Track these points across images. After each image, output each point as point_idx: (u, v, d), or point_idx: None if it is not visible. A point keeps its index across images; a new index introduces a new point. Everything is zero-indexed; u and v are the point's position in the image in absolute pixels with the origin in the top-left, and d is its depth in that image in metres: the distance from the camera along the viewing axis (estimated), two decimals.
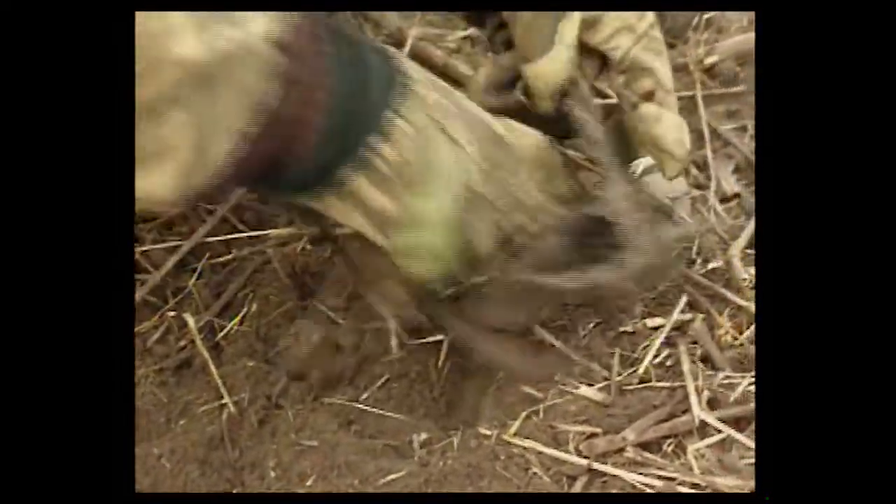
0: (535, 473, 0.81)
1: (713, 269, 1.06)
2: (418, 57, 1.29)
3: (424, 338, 0.95)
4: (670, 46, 1.42)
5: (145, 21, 0.60)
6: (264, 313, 0.99)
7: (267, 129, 0.68)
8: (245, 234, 1.08)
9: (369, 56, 0.77)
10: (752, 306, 0.97)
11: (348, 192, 0.78)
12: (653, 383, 0.90)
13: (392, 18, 1.30)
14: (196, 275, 1.06)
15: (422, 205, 0.79)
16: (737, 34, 1.43)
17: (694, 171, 1.24)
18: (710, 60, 1.38)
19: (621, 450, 0.83)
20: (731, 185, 1.23)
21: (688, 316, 0.97)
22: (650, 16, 0.93)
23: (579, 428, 0.85)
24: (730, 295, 0.99)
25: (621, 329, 0.94)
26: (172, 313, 0.99)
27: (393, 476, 0.82)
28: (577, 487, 0.81)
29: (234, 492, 0.86)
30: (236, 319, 0.99)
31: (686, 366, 0.91)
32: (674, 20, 1.45)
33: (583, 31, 0.90)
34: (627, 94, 0.93)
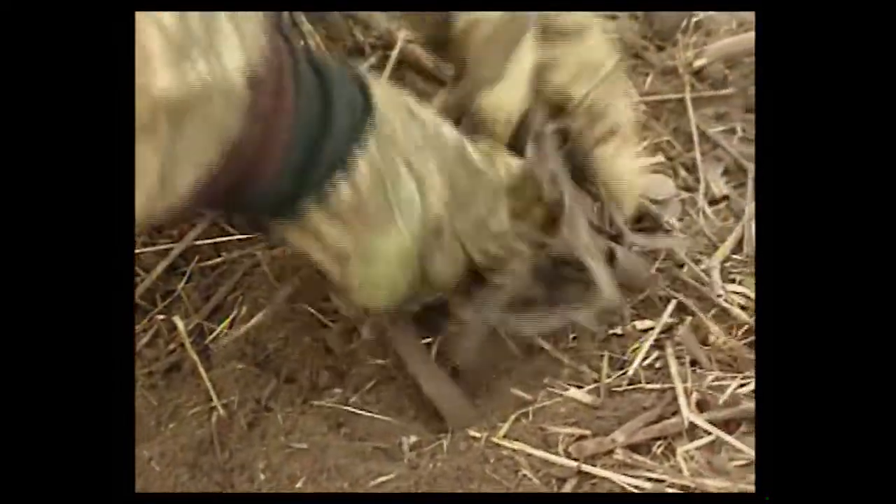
0: (524, 475, 0.81)
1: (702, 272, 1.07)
2: (407, 59, 1.29)
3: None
4: (659, 49, 1.43)
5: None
6: (254, 316, 0.99)
7: (230, 160, 0.68)
8: (235, 238, 1.08)
9: (338, 87, 0.76)
10: (736, 310, 0.98)
11: (306, 224, 0.78)
12: (642, 385, 0.91)
13: (380, 20, 1.30)
14: (185, 278, 1.06)
15: (379, 241, 0.79)
16: (725, 36, 1.43)
17: (683, 173, 1.24)
18: (698, 63, 1.38)
19: (611, 452, 0.83)
20: (720, 187, 1.23)
21: (677, 318, 0.98)
22: (612, 57, 0.94)
23: (569, 430, 0.85)
24: (717, 300, 0.99)
25: (610, 332, 0.95)
26: (162, 317, 0.99)
27: (382, 478, 0.82)
28: (567, 489, 0.81)
29: (229, 492, 0.86)
30: (226, 322, 0.99)
31: (674, 368, 0.91)
32: (662, 23, 1.45)
33: (542, 69, 0.90)
34: (587, 135, 0.93)
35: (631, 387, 0.91)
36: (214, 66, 0.64)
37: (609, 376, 0.91)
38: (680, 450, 0.84)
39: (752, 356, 0.93)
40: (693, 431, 0.86)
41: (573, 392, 0.89)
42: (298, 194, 0.76)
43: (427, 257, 0.82)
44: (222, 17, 0.65)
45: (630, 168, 0.94)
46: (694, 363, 0.93)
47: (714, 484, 0.80)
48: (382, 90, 0.79)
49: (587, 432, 0.85)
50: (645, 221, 1.11)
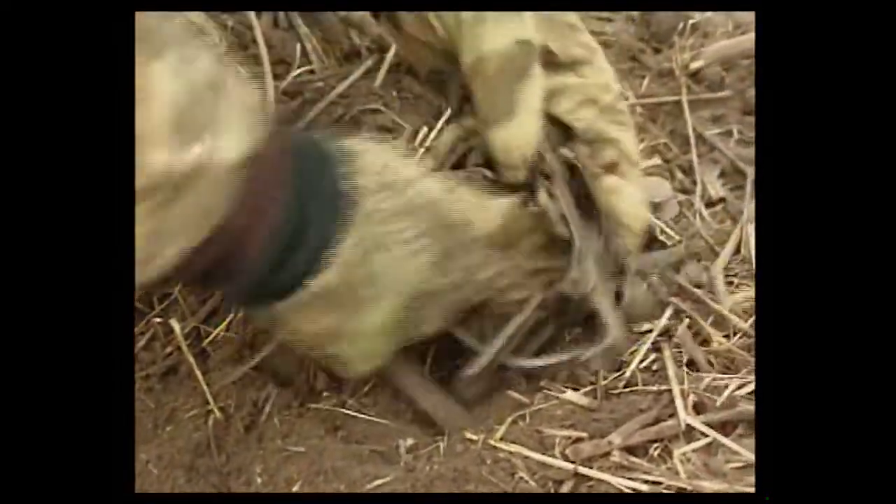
0: (521, 478, 0.81)
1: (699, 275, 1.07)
2: (403, 62, 1.29)
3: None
4: (656, 51, 1.43)
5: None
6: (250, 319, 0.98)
7: (214, 240, 0.69)
8: None
9: (326, 167, 0.77)
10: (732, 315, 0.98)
11: (282, 313, 0.79)
12: (639, 387, 0.91)
13: (371, 25, 1.30)
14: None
15: (363, 319, 0.80)
16: (722, 39, 1.44)
17: (680, 175, 1.24)
18: (695, 65, 1.38)
19: (607, 454, 0.83)
20: (717, 189, 1.23)
21: (674, 320, 0.98)
22: (616, 89, 0.94)
23: (565, 432, 0.85)
24: (714, 305, 1.00)
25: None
26: (158, 320, 0.99)
27: (379, 481, 0.81)
28: (564, 492, 0.81)
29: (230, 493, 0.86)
30: (222, 325, 0.98)
31: (671, 370, 0.91)
32: (659, 25, 1.45)
33: (547, 99, 0.91)
34: (590, 165, 0.93)
35: (628, 389, 0.91)
36: (214, 148, 0.65)
37: (605, 378, 0.91)
38: (677, 452, 0.84)
39: (750, 358, 0.93)
40: (690, 433, 0.86)
41: (570, 394, 0.89)
42: (277, 283, 0.77)
43: (413, 321, 0.84)
44: (225, 95, 0.67)
45: (634, 200, 0.94)
46: (691, 364, 0.93)
47: (711, 486, 0.80)
48: (364, 159, 0.79)
49: (584, 435, 0.85)
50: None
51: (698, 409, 0.88)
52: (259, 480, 0.84)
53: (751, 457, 0.83)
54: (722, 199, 1.22)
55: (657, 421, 0.87)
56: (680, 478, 0.81)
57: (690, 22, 1.45)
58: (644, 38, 1.46)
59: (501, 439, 0.84)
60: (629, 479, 0.81)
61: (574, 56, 0.91)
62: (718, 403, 0.88)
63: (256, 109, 0.70)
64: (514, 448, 0.83)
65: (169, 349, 0.96)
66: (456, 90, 0.97)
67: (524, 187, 0.89)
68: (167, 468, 0.87)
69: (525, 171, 0.88)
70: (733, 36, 1.45)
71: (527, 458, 0.83)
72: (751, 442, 0.85)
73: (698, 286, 1.04)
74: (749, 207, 1.17)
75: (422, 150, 1.10)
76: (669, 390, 0.89)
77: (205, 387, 0.92)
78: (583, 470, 0.81)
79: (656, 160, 1.25)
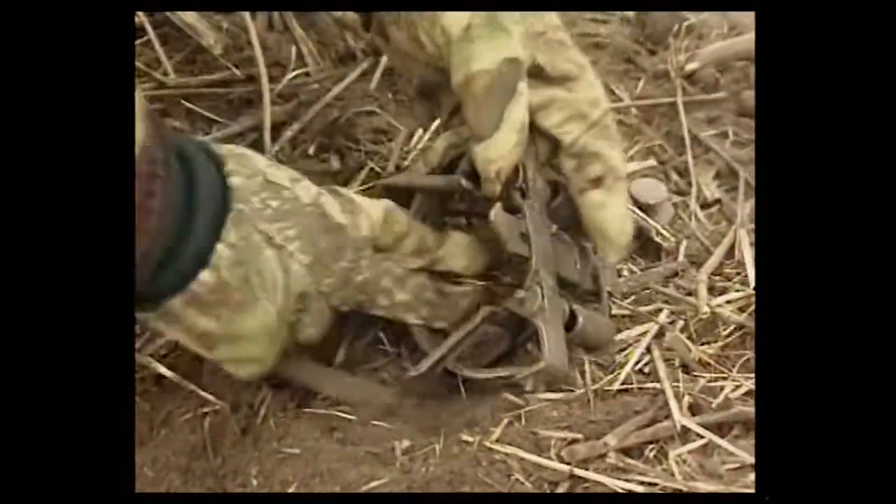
0: (516, 479, 0.81)
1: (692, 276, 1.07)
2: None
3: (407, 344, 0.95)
4: (651, 53, 1.43)
5: None
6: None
7: None
8: None
9: (201, 174, 0.77)
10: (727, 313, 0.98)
11: (168, 312, 0.79)
12: (634, 387, 0.91)
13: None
14: None
15: (244, 321, 0.80)
16: (717, 40, 1.44)
17: (675, 177, 1.24)
18: (690, 67, 1.38)
19: (603, 455, 0.83)
20: (712, 191, 1.23)
21: (667, 320, 0.99)
22: (604, 105, 0.94)
23: (561, 434, 0.85)
24: (704, 307, 1.00)
25: None
26: None
27: (375, 483, 0.82)
28: (559, 493, 0.81)
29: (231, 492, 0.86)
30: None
31: (662, 372, 0.91)
32: (654, 27, 1.45)
33: (534, 112, 0.91)
34: (576, 179, 0.94)
35: (623, 387, 0.91)
36: None
37: (600, 378, 0.91)
38: (672, 453, 0.84)
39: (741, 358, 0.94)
40: (685, 435, 0.86)
41: (565, 396, 0.89)
42: (159, 285, 0.77)
43: (295, 324, 0.84)
44: None
45: (620, 214, 0.95)
46: (685, 367, 0.94)
47: (706, 487, 0.80)
48: (238, 163, 0.80)
49: (579, 436, 0.85)
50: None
51: (694, 410, 0.88)
52: (255, 482, 0.84)
53: (747, 458, 0.83)
54: (717, 201, 1.22)
55: (652, 422, 0.87)
56: (675, 479, 0.81)
57: (685, 23, 1.45)
58: (639, 40, 1.46)
59: (497, 441, 0.84)
60: (624, 480, 0.81)
61: (563, 71, 0.92)
62: (714, 405, 0.88)
63: (137, 111, 0.69)
64: (509, 450, 0.83)
65: (164, 351, 0.96)
66: (448, 101, 0.98)
67: (501, 200, 0.90)
68: (163, 471, 0.87)
69: (500, 185, 0.89)
70: (728, 37, 1.45)
71: (522, 459, 0.83)
72: (746, 443, 0.85)
73: (689, 294, 1.04)
74: (742, 210, 1.17)
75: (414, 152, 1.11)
76: (664, 392, 0.89)
77: (201, 392, 0.92)
78: (578, 471, 0.81)
79: (651, 162, 1.25)
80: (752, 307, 1.00)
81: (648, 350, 0.96)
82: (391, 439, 0.87)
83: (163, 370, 0.92)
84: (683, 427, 0.86)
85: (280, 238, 0.80)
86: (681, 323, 1.00)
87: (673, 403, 0.87)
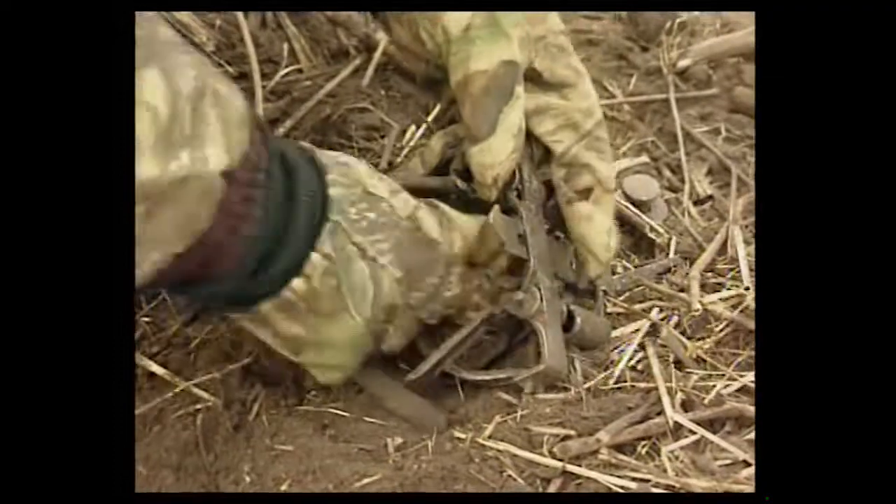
0: (509, 476, 0.81)
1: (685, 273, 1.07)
2: (391, 61, 1.29)
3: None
4: (643, 49, 1.43)
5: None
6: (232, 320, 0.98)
7: (194, 250, 0.69)
8: None
9: (301, 183, 0.77)
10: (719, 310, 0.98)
11: (258, 316, 0.80)
12: (627, 384, 0.91)
13: (359, 24, 1.30)
14: None
15: (332, 330, 0.81)
16: (710, 37, 1.44)
17: (667, 173, 1.24)
18: (683, 63, 1.38)
19: (595, 452, 0.83)
20: (705, 187, 1.23)
21: (661, 317, 0.99)
22: (597, 114, 0.95)
23: (554, 430, 0.85)
24: (696, 304, 1.00)
25: None
26: (147, 319, 0.99)
27: (368, 480, 0.81)
28: (552, 489, 0.81)
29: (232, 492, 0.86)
30: (211, 325, 0.98)
31: (656, 368, 0.91)
32: (646, 23, 1.45)
33: (528, 117, 0.92)
34: (564, 189, 0.94)
35: (616, 385, 0.91)
36: (196, 158, 0.66)
37: (593, 375, 0.91)
38: (665, 449, 0.84)
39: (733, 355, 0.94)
40: (678, 431, 0.86)
41: (558, 392, 0.89)
42: (253, 289, 0.78)
43: (380, 335, 0.85)
44: (210, 104, 0.67)
45: (604, 229, 0.95)
46: (678, 363, 0.94)
47: (699, 483, 0.80)
48: (340, 172, 0.80)
49: (572, 432, 0.85)
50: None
51: (686, 406, 0.88)
52: (247, 479, 0.84)
53: (739, 454, 0.84)
54: (710, 197, 1.22)
55: (645, 418, 0.87)
56: (668, 475, 0.81)
57: (678, 20, 1.45)
58: (632, 37, 1.46)
59: (490, 437, 0.84)
60: (617, 476, 0.81)
61: (561, 78, 0.93)
62: (706, 401, 0.89)
63: (242, 117, 0.70)
64: (502, 446, 0.83)
65: (156, 348, 0.95)
66: (447, 97, 0.98)
67: (498, 203, 0.90)
68: (155, 468, 0.87)
69: (496, 190, 0.90)
70: (720, 34, 1.45)
71: (515, 456, 0.83)
72: (738, 439, 0.85)
73: (682, 290, 1.04)
74: (735, 207, 1.17)
75: (407, 149, 1.11)
76: (657, 388, 0.89)
77: (193, 387, 0.92)
78: (571, 468, 0.81)
79: (644, 158, 1.25)
80: (744, 304, 1.00)
81: (642, 347, 0.96)
82: (384, 436, 0.87)
83: (154, 368, 0.92)
84: (676, 423, 0.86)
85: (373, 251, 0.80)
86: (674, 319, 1.00)
87: (665, 400, 0.87)
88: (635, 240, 1.14)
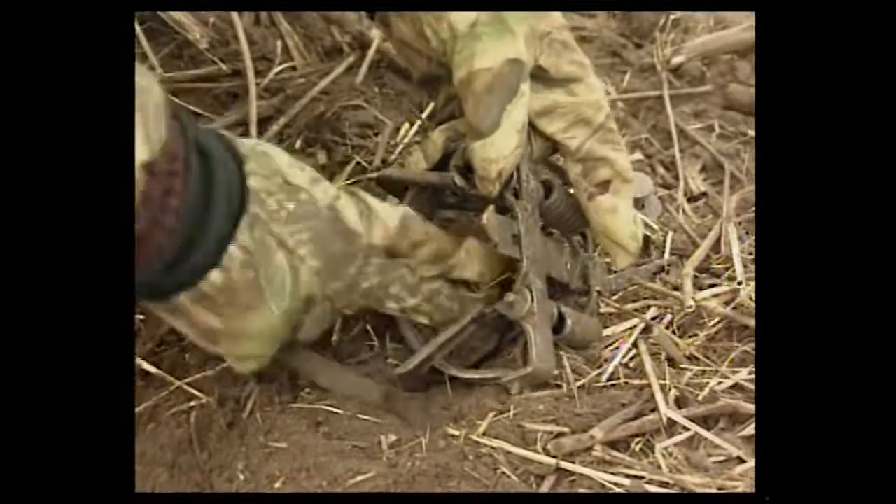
0: (503, 473, 0.81)
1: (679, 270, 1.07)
2: (384, 58, 1.29)
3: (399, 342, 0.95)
4: (637, 46, 1.43)
5: None
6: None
7: None
8: None
9: (219, 172, 0.76)
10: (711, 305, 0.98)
11: (174, 306, 0.79)
12: (620, 381, 0.91)
13: (353, 21, 1.31)
14: None
15: (248, 321, 0.81)
16: (703, 34, 1.44)
17: (661, 170, 1.24)
18: (676, 60, 1.38)
19: (589, 449, 0.83)
20: (699, 184, 1.23)
21: (654, 315, 0.99)
22: (606, 107, 0.95)
23: (547, 427, 0.85)
24: (689, 301, 1.00)
25: None
26: (141, 317, 0.99)
27: (361, 477, 0.81)
28: (546, 486, 0.81)
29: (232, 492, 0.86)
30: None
31: (648, 365, 0.91)
32: (640, 21, 1.45)
33: (537, 117, 0.93)
34: (584, 184, 0.94)
35: (610, 382, 0.91)
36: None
37: (586, 374, 0.91)
38: (658, 446, 0.84)
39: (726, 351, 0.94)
40: (671, 428, 0.86)
41: (551, 389, 0.89)
42: (171, 280, 0.77)
43: (297, 325, 0.84)
44: (137, 94, 0.66)
45: (629, 221, 0.95)
46: (671, 360, 0.94)
47: (692, 480, 0.80)
48: (258, 162, 0.80)
49: (566, 429, 0.85)
50: None
51: (680, 403, 0.89)
52: (241, 477, 0.84)
53: (733, 450, 0.84)
54: (704, 194, 1.22)
55: (639, 415, 0.87)
56: (662, 472, 0.81)
57: (671, 17, 1.45)
58: (625, 34, 1.46)
59: (483, 434, 0.84)
60: (611, 473, 0.81)
61: (566, 73, 0.93)
62: (700, 398, 0.89)
63: (159, 107, 0.69)
64: (496, 443, 0.84)
65: (150, 346, 0.95)
66: (446, 94, 0.98)
67: (496, 201, 0.90)
68: (149, 465, 0.87)
69: (499, 186, 0.90)
70: (714, 31, 1.45)
71: (509, 453, 0.83)
72: (731, 436, 0.85)
73: (676, 288, 1.05)
74: (728, 203, 1.17)
75: (401, 146, 1.11)
76: (650, 385, 0.89)
77: (186, 386, 0.92)
78: (564, 464, 0.81)
79: (638, 155, 1.25)
80: (738, 299, 1.00)
81: (635, 345, 0.96)
82: (378, 433, 0.87)
83: (146, 367, 0.92)
84: (670, 420, 0.86)
85: (292, 242, 0.80)
86: (668, 317, 1.00)
87: (659, 396, 0.87)
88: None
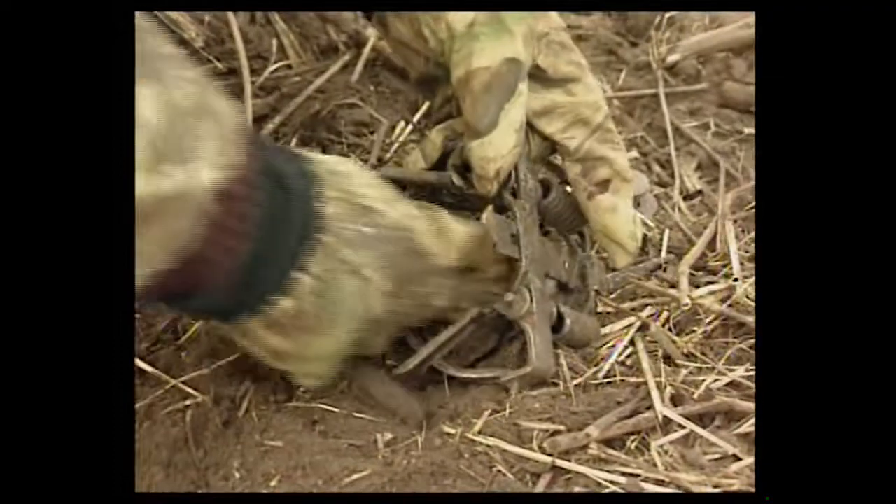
0: (499, 471, 0.81)
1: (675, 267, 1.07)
2: (380, 57, 1.29)
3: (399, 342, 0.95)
4: (632, 45, 1.43)
5: None
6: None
7: (182, 266, 0.69)
8: None
9: (293, 198, 0.76)
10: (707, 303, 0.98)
11: (244, 330, 0.80)
12: (616, 379, 0.91)
13: (348, 20, 1.30)
14: None
15: (315, 344, 0.81)
16: (698, 32, 1.44)
17: (657, 168, 1.24)
18: (672, 59, 1.39)
19: (585, 447, 0.83)
20: (694, 182, 1.23)
21: (650, 313, 0.99)
22: (604, 107, 0.95)
23: (543, 425, 0.85)
24: (685, 299, 1.00)
25: None
26: (136, 315, 0.99)
27: (357, 475, 0.81)
28: (541, 485, 0.81)
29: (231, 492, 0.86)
30: (200, 321, 0.98)
31: (645, 363, 0.91)
32: (635, 19, 1.45)
33: (536, 117, 0.93)
34: (584, 184, 0.94)
35: (606, 380, 0.91)
36: (189, 174, 0.65)
37: (582, 373, 0.91)
38: (654, 444, 0.84)
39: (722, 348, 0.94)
40: (667, 426, 0.86)
41: (547, 387, 0.89)
42: (239, 304, 0.77)
43: (362, 343, 0.85)
44: (206, 119, 0.67)
45: (628, 220, 0.96)
46: (667, 358, 0.94)
47: (689, 478, 0.80)
48: (334, 186, 0.79)
49: (562, 427, 0.85)
50: None
51: (676, 401, 0.89)
52: (237, 475, 0.84)
53: (729, 448, 0.84)
54: (699, 192, 1.22)
55: (634, 413, 0.87)
56: (658, 470, 0.81)
57: (667, 16, 1.45)
58: (621, 32, 1.46)
59: (479, 432, 0.84)
60: (607, 471, 0.81)
61: (564, 73, 0.93)
62: (696, 395, 0.89)
63: (236, 132, 0.69)
64: (491, 441, 0.83)
65: (146, 344, 0.95)
66: (443, 94, 0.98)
67: (493, 201, 0.90)
68: (145, 464, 0.87)
69: (497, 185, 0.90)
70: (709, 29, 1.45)
71: (505, 451, 0.83)
72: (727, 433, 0.85)
73: (672, 286, 1.05)
74: (723, 201, 1.17)
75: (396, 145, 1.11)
76: (647, 383, 0.89)
77: (181, 384, 0.92)
78: (560, 463, 0.81)
79: (634, 153, 1.25)
80: (734, 297, 1.00)
81: (632, 343, 0.96)
82: (373, 432, 0.87)
83: (142, 365, 0.92)
84: (665, 418, 0.86)
85: (363, 267, 0.79)
86: (664, 315, 1.00)
87: (655, 394, 0.87)
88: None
